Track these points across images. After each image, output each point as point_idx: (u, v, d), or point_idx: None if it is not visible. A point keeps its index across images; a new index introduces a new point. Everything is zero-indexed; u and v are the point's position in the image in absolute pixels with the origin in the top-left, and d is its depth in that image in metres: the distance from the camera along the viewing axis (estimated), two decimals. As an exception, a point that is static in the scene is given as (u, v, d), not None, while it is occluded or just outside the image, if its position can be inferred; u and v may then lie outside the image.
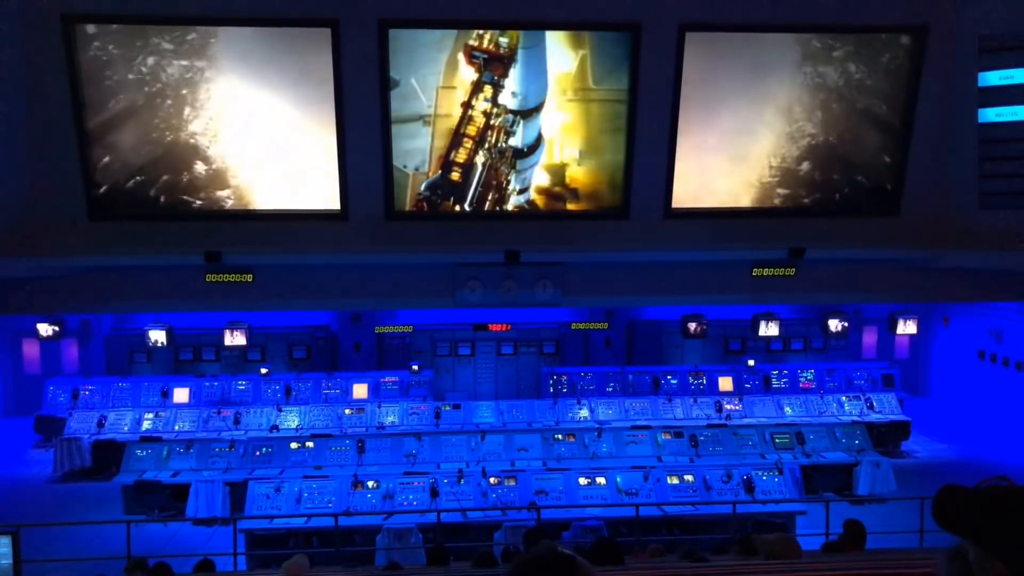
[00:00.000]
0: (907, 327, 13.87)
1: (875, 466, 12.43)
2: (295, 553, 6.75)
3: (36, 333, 14.27)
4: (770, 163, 10.14)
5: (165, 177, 9.56)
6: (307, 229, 9.91)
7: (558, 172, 10.17)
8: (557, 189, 10.21)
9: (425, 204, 10.03)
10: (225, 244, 9.80)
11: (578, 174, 10.21)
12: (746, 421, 14.23)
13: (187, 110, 9.35)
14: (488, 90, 9.55)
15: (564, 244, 10.27)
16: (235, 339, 14.17)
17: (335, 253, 10.12)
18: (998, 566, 1.55)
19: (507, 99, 9.67)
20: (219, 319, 14.33)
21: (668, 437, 12.69)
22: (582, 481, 10.90)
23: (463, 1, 9.22)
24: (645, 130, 9.70)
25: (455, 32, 9.24)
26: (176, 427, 14.09)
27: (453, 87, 9.53)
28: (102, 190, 9.51)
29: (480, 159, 9.89)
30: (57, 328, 14.10)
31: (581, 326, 16.58)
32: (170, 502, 11.93)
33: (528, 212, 10.06)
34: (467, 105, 9.58)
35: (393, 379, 15.73)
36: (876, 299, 13.64)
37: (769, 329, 13.75)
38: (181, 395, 15.10)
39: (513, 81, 9.56)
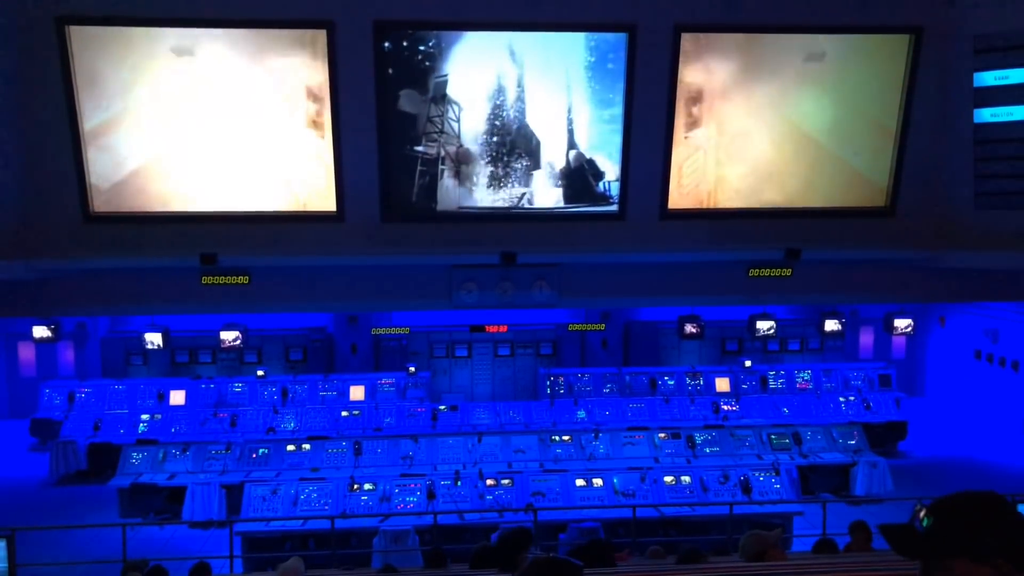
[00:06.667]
0: (903, 327, 13.88)
1: (872, 466, 12.44)
2: (291, 556, 6.74)
3: (32, 336, 14.21)
4: (765, 163, 10.13)
5: (160, 179, 9.54)
6: (303, 231, 9.90)
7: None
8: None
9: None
10: (221, 246, 9.78)
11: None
12: (743, 422, 14.22)
13: (182, 112, 9.33)
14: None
15: (560, 245, 10.26)
16: (231, 341, 14.15)
17: (331, 255, 10.11)
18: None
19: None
20: (215, 321, 14.30)
21: (665, 438, 12.69)
22: (579, 482, 10.89)
23: (458, 3, 9.21)
24: (641, 131, 9.70)
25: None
26: (172, 430, 14.06)
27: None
28: (97, 192, 9.48)
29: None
30: (53, 331, 14.04)
31: (578, 327, 16.58)
32: (166, 505, 11.90)
33: (524, 213, 10.05)
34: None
35: (390, 381, 15.70)
36: (872, 299, 13.66)
37: (766, 330, 13.74)
38: (177, 397, 15.06)
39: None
